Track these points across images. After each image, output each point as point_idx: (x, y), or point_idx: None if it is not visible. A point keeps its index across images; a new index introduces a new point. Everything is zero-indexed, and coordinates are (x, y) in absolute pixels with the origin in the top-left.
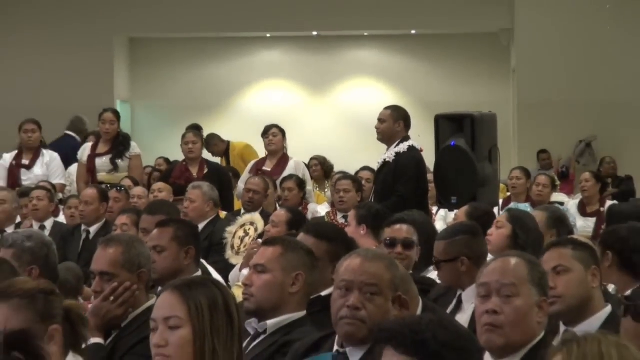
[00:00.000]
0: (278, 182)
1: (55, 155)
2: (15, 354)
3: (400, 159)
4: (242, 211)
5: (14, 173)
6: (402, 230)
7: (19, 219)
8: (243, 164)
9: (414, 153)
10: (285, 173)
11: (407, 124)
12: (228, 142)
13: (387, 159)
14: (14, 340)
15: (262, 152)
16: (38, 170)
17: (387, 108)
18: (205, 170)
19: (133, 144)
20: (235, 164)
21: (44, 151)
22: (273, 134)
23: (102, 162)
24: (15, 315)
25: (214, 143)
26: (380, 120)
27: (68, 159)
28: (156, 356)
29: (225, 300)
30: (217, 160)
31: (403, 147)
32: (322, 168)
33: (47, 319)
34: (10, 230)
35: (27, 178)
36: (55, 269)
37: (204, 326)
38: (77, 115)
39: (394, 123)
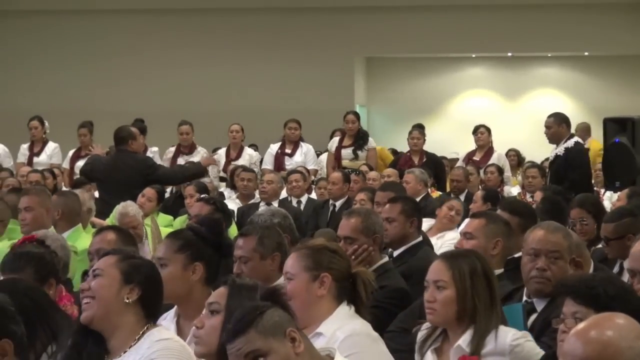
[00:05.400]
0: (483, 170)
1: (310, 146)
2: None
3: (570, 152)
4: (452, 195)
5: (279, 160)
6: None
7: (284, 194)
8: (381, 162)
9: (580, 147)
10: (490, 162)
11: (568, 124)
12: None
13: (559, 153)
14: (269, 294)
15: (471, 146)
16: (298, 158)
17: (550, 116)
18: (424, 160)
19: (370, 139)
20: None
21: (302, 143)
22: (481, 132)
23: (346, 152)
24: (298, 261)
25: None
26: (547, 127)
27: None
28: (426, 309)
29: (484, 268)
30: None
31: (570, 142)
32: (517, 158)
33: (320, 268)
34: (275, 204)
35: (289, 164)
36: (295, 229)
37: (465, 289)
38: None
39: (558, 127)
